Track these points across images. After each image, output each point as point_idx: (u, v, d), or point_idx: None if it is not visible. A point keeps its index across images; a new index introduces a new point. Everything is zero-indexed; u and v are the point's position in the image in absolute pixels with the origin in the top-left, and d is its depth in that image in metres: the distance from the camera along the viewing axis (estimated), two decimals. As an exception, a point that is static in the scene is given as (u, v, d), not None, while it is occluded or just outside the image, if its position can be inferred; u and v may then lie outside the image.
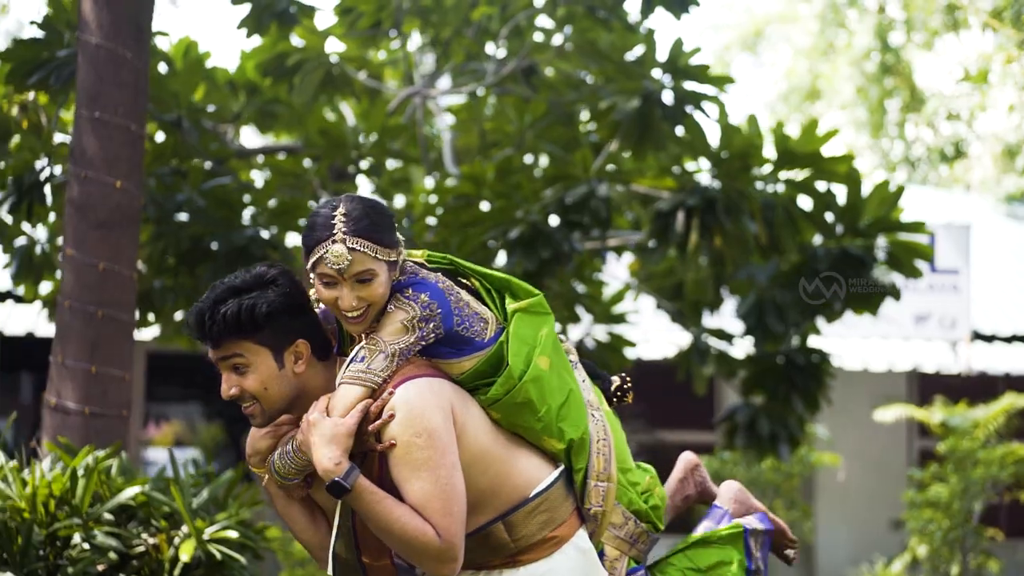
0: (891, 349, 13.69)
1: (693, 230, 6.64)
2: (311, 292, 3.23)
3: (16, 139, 8.49)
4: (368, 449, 3.06)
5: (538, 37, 8.51)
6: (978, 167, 19.08)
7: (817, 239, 7.48)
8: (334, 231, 3.09)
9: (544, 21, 8.57)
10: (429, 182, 9.03)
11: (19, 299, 12.11)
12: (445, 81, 9.05)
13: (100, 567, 4.63)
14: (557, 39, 8.30)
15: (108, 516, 4.78)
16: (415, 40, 8.63)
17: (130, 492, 4.79)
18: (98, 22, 5.65)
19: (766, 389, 8.05)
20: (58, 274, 9.11)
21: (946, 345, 13.55)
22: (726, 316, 9.01)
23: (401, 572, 3.19)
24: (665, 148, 7.05)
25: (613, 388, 3.49)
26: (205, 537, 4.77)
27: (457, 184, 7.68)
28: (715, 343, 8.52)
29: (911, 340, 13.55)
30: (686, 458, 3.74)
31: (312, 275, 3.14)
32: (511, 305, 3.21)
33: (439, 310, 3.12)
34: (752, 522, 3.51)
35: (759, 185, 6.85)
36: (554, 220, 7.34)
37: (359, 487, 2.99)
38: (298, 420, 3.19)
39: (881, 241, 7.41)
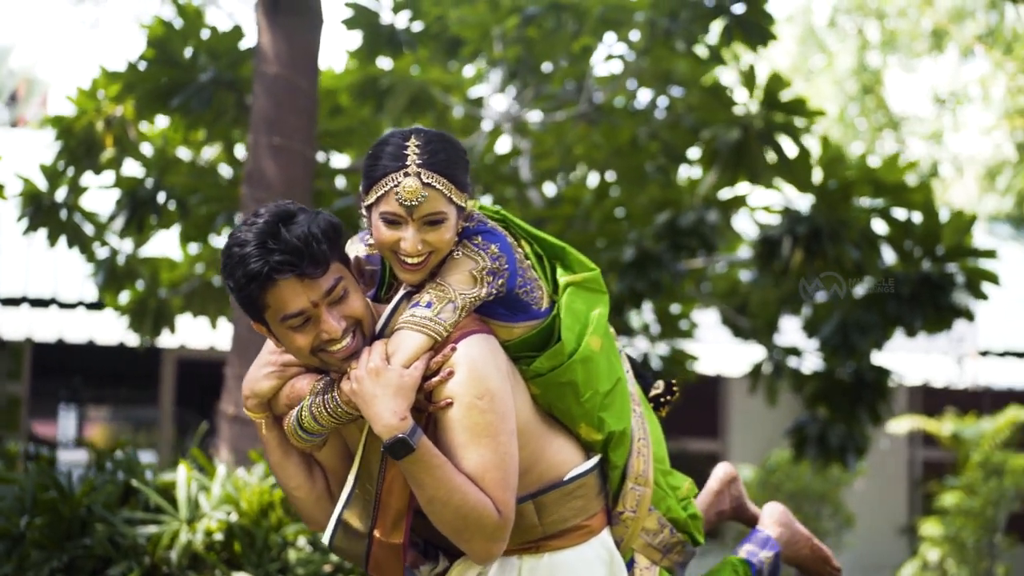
0: (899, 363, 14.28)
1: (797, 255, 7.09)
2: (357, 238, 2.94)
3: (108, 153, 8.81)
4: (417, 409, 2.75)
5: (613, 65, 8.95)
6: (959, 188, 19.75)
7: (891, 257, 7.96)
8: (406, 162, 2.74)
9: (619, 48, 8.99)
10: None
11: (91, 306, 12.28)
12: (518, 103, 9.45)
13: (327, 568, 4.98)
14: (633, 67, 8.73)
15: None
16: (499, 65, 9.00)
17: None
18: (275, 53, 5.99)
19: (832, 403, 8.52)
20: (139, 284, 9.42)
21: (951, 359, 14.14)
22: (788, 332, 9.48)
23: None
24: (763, 178, 7.49)
25: (654, 393, 3.20)
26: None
27: (559, 206, 8.09)
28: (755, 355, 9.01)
29: (916, 353, 14.12)
30: (724, 470, 3.53)
31: (371, 212, 2.79)
32: (565, 277, 2.94)
33: (506, 266, 2.83)
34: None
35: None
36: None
37: (422, 448, 2.68)
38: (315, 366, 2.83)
39: (953, 266, 7.91)
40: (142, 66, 8.01)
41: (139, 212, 7.94)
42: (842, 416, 8.52)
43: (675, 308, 9.13)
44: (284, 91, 5.98)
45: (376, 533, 2.80)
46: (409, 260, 2.75)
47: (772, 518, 3.41)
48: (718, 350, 12.71)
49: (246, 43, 7.32)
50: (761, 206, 8.07)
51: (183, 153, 8.75)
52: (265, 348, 2.88)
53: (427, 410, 2.74)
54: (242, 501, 4.99)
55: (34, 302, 12.18)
